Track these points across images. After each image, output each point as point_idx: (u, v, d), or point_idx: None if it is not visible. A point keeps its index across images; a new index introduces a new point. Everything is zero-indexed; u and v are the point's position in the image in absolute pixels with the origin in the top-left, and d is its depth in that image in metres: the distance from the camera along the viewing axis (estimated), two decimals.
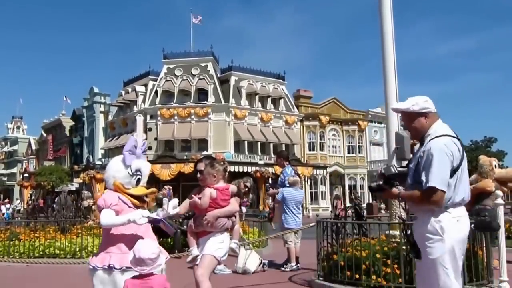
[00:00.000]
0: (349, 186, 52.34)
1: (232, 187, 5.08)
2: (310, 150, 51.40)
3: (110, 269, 4.36)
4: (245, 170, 38.84)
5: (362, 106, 60.10)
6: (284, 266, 10.19)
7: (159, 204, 12.17)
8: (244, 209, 23.15)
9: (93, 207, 15.56)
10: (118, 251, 4.39)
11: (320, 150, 51.80)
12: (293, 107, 51.47)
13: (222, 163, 5.02)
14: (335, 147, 53.55)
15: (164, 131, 43.99)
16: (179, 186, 35.94)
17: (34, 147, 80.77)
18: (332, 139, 53.88)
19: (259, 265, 9.90)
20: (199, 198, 4.99)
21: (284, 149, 42.04)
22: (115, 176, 4.53)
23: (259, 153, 44.96)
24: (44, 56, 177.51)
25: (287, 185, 10.13)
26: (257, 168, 36.61)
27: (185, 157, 40.77)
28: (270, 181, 35.77)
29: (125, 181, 4.52)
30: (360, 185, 54.12)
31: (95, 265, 4.42)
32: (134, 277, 4.05)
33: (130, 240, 4.38)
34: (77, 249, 12.16)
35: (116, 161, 4.62)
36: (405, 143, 5.93)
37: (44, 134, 74.05)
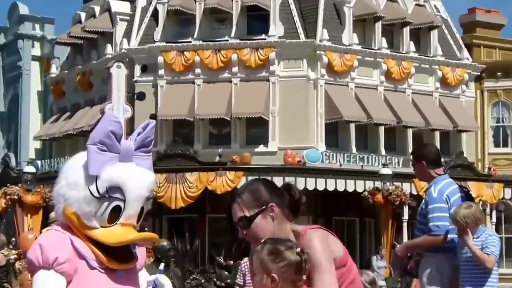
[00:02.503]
0: None
1: None
2: (498, 145, 36.39)
3: None
4: (350, 188, 26.86)
5: None
6: None
7: (164, 262, 8.67)
8: None
9: (17, 264, 12.91)
10: None
11: None
12: (460, 48, 36.78)
13: (291, 246, 3.34)
14: None
15: (172, 100, 31.94)
16: (204, 222, 28.52)
17: None
18: None
19: None
20: None
21: (437, 141, 31.48)
22: (68, 197, 3.42)
23: (382, 151, 31.98)
24: None
25: (432, 219, 6.75)
26: (378, 183, 25.09)
27: (217, 158, 28.92)
28: (406, 213, 26.24)
29: (85, 211, 3.39)
30: None
31: None
32: None
33: None
34: None
35: (75, 164, 3.51)
36: None
37: None
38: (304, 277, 3.34)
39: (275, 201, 3.58)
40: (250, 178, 25.46)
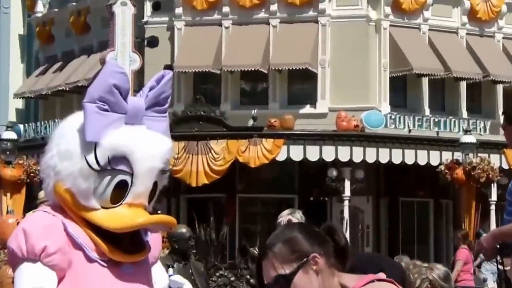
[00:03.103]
0: None
1: None
2: None
3: None
4: (422, 161, 27.35)
5: None
6: None
7: (182, 254, 9.44)
8: None
9: None
10: None
11: None
12: None
13: None
14: None
15: (193, 47, 31.94)
16: (234, 204, 28.69)
17: None
18: None
19: None
20: None
21: None
22: (59, 170, 3.46)
23: (464, 113, 31.93)
24: None
25: None
26: (458, 155, 25.63)
27: (251, 122, 29.41)
28: (494, 192, 25.77)
29: (82, 188, 3.44)
30: None
31: None
32: None
33: None
34: None
35: (69, 127, 3.58)
36: None
37: None
38: None
39: (317, 250, 3.47)
40: (293, 147, 25.64)
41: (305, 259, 3.44)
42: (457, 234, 20.38)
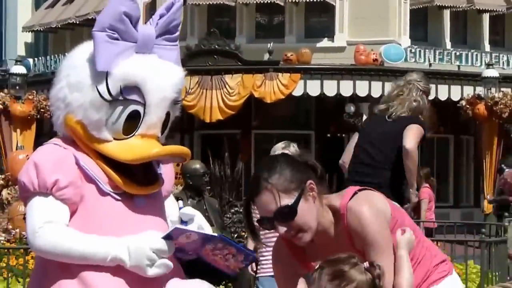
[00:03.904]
0: None
1: None
2: None
3: None
4: (442, 96, 26.53)
5: None
6: None
7: (195, 190, 9.38)
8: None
9: (4, 193, 13.80)
10: None
11: None
12: None
13: (355, 262, 3.33)
14: None
15: None
16: (249, 140, 28.97)
17: None
18: None
19: None
20: None
21: None
22: (70, 102, 3.40)
23: (486, 46, 31.19)
24: None
25: None
26: (480, 89, 24.89)
27: (267, 56, 28.10)
28: None
29: (93, 119, 3.36)
30: None
31: None
32: None
33: (109, 281, 3.31)
34: None
35: (78, 57, 3.48)
36: None
37: None
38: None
39: (310, 177, 3.52)
40: (310, 82, 25.37)
41: (303, 187, 3.48)
42: (419, 172, 20.40)
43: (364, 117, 24.99)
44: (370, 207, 3.50)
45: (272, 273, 7.73)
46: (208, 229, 3.53)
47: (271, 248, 4.03)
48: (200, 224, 3.57)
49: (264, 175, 3.47)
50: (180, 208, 3.57)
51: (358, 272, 3.21)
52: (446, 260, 3.85)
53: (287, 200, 3.45)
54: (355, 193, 3.57)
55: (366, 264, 3.24)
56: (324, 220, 3.58)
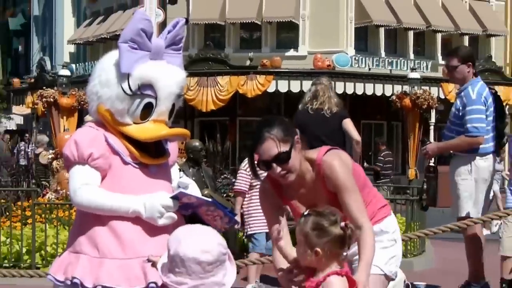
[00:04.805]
0: None
1: None
2: None
3: (74, 286, 3.17)
4: (378, 92, 26.12)
5: None
6: None
7: (195, 161, 9.03)
8: None
9: (54, 164, 11.97)
10: (93, 250, 3.21)
11: None
12: None
13: (335, 220, 3.22)
14: None
15: (204, 4, 29.69)
16: (235, 125, 27.91)
17: None
18: None
19: None
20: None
21: (466, 45, 27.93)
22: (101, 95, 3.32)
23: (411, 55, 30.47)
24: None
25: (470, 121, 6.49)
26: (406, 87, 23.81)
27: (248, 62, 27.08)
28: (433, 116, 25.73)
29: (118, 108, 3.29)
30: None
31: (53, 278, 3.26)
32: None
33: (132, 230, 3.22)
34: (24, 250, 8.57)
35: (107, 62, 3.39)
36: None
37: None
38: (346, 251, 3.21)
39: (297, 133, 3.52)
40: (280, 82, 24.93)
41: (294, 139, 3.46)
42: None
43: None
44: (339, 160, 3.50)
45: (262, 230, 7.53)
46: (198, 194, 3.43)
47: (260, 209, 4.05)
48: (194, 190, 3.48)
49: (267, 128, 3.46)
50: (180, 177, 3.49)
51: (335, 228, 3.15)
52: (386, 205, 3.80)
53: (284, 148, 3.42)
54: (328, 150, 3.57)
55: (342, 224, 3.17)
56: (303, 167, 3.55)
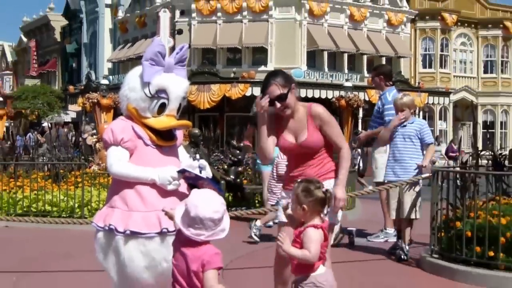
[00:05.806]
0: (485, 123, 32.29)
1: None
2: (425, 67, 32.51)
3: (110, 231, 3.11)
4: (323, 96, 25.04)
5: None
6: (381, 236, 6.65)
7: (195, 144, 8.84)
8: None
9: (97, 145, 11.75)
10: (123, 205, 3.13)
11: (441, 67, 32.33)
12: None
13: (319, 186, 3.06)
14: (464, 63, 33.40)
15: (201, 34, 29.27)
16: (223, 118, 26.81)
17: (10, 59, 49.08)
18: (461, 50, 33.22)
19: (340, 236, 6.34)
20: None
21: (385, 63, 27.25)
22: (129, 97, 3.26)
23: (346, 70, 29.75)
24: None
25: (387, 115, 6.32)
26: (342, 92, 23.01)
27: (232, 75, 27.48)
28: (360, 112, 24.18)
29: (141, 106, 3.23)
30: (503, 122, 33.16)
31: (95, 225, 3.22)
32: (181, 243, 2.59)
33: (150, 192, 3.14)
34: (76, 205, 8.35)
35: (134, 74, 3.32)
36: None
37: (25, 39, 45.14)
38: (326, 210, 3.08)
39: (294, 82, 3.56)
40: (255, 88, 24.27)
41: (291, 86, 3.52)
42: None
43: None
44: (324, 108, 3.58)
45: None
46: (209, 172, 3.31)
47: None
48: (208, 170, 3.33)
49: (273, 77, 3.55)
50: (198, 160, 3.33)
51: (318, 191, 3.08)
52: (335, 169, 3.67)
53: (283, 91, 3.50)
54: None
55: (324, 188, 3.09)
56: (297, 106, 3.57)
